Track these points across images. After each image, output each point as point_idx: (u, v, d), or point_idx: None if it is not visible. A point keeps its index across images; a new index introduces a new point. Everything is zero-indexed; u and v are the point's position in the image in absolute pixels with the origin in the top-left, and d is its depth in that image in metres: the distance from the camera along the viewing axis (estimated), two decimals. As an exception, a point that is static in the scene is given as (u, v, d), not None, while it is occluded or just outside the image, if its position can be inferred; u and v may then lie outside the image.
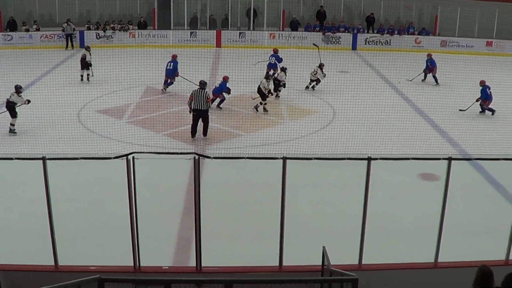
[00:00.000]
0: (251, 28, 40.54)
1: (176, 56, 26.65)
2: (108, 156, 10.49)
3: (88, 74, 28.03)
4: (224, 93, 23.43)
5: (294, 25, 40.21)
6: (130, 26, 38.70)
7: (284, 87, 25.24)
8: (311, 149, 17.61)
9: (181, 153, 11.38)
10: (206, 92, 19.70)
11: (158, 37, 38.49)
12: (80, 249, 12.18)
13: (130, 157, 9.94)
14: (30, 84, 26.37)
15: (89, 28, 38.38)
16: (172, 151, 14.95)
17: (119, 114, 22.30)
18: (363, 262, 10.97)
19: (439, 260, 11.11)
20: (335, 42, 39.59)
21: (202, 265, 10.81)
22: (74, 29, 37.72)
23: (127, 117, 22.35)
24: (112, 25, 38.52)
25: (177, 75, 25.94)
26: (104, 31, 38.15)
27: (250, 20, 40.86)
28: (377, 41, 39.92)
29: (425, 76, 29.92)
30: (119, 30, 38.22)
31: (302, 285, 8.64)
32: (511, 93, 22.69)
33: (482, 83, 23.58)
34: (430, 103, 23.74)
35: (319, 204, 15.00)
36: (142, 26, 39.08)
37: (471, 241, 12.90)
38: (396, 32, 40.19)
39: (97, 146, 17.59)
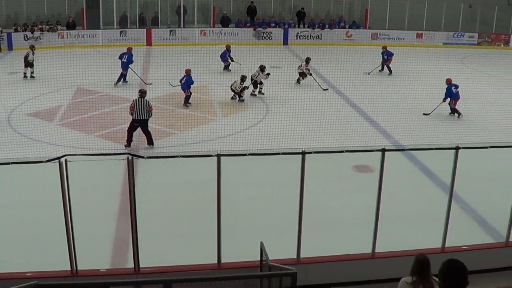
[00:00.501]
0: (182, 26, 40.40)
1: (131, 49, 26.99)
2: (40, 160, 10.28)
3: (31, 72, 28.02)
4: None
5: (224, 22, 40.22)
6: (59, 27, 38.10)
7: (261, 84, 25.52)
8: (245, 145, 17.65)
9: (114, 154, 11.26)
10: (147, 100, 18.51)
11: (87, 37, 37.98)
12: (15, 256, 11.93)
13: (62, 160, 9.80)
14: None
15: (16, 30, 37.62)
16: (105, 152, 14.77)
17: (50, 117, 21.89)
18: (301, 255, 11.07)
19: (377, 250, 11.27)
20: (267, 38, 39.72)
21: (140, 266, 10.74)
22: (1, 31, 36.98)
23: (58, 119, 21.95)
24: (40, 26, 37.84)
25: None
26: (32, 33, 37.44)
27: (180, 18, 40.74)
28: (308, 36, 40.25)
29: (382, 67, 30.77)
30: (48, 31, 37.57)
31: (241, 282, 8.65)
32: (442, 83, 22.97)
33: (448, 82, 23.06)
34: (363, 95, 24.06)
35: (255, 200, 15.04)
36: (71, 26, 38.53)
37: (408, 231, 13.13)
38: (327, 26, 40.61)
39: (28, 150, 17.27)
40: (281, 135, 18.46)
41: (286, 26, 40.39)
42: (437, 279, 6.09)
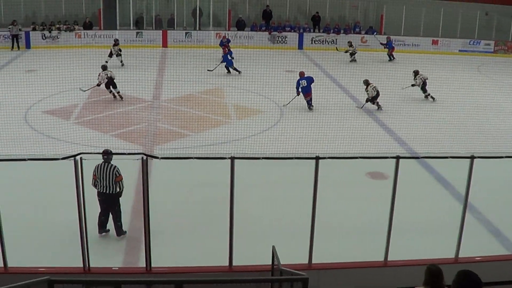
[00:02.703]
0: (197, 28, 40.47)
1: None
2: (55, 157, 10.35)
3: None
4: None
5: (240, 25, 40.21)
6: (76, 27, 38.29)
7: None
8: (259, 148, 17.66)
9: (128, 154, 11.31)
10: (115, 167, 12.59)
11: (104, 37, 38.09)
12: (29, 251, 12.01)
13: (77, 158, 9.85)
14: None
15: (34, 29, 37.86)
16: (120, 151, 14.82)
17: (66, 115, 22.08)
18: (313, 261, 11.03)
19: (389, 258, 11.21)
20: (282, 42, 39.72)
21: (152, 265, 10.76)
22: (20, 29, 37.21)
23: (74, 117, 22.13)
24: (57, 26, 38.06)
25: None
26: (50, 32, 37.67)
27: (196, 20, 40.81)
28: (323, 41, 40.20)
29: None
30: (65, 31, 37.77)
31: (252, 285, 8.65)
32: (459, 90, 22.92)
33: (301, 75, 24.28)
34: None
35: (268, 204, 15.02)
36: (88, 26, 38.69)
37: (421, 239, 13.08)
38: (342, 31, 40.52)
39: (44, 147, 17.36)
40: (295, 140, 18.47)
41: (301, 31, 40.37)
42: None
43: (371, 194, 15.36)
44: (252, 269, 10.88)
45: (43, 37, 37.55)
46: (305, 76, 24.16)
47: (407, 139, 20.27)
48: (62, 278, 7.62)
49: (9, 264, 10.79)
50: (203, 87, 23.90)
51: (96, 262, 10.79)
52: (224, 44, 33.47)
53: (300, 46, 39.82)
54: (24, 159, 10.36)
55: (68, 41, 36.57)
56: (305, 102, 23.79)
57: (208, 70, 29.07)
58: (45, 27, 38.11)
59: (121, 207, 12.81)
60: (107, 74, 24.31)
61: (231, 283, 8.22)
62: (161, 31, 39.29)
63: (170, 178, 15.48)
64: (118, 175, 12.53)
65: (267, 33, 39.76)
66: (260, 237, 12.66)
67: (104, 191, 12.57)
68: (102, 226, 12.89)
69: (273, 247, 10.08)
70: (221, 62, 30.08)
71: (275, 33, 39.67)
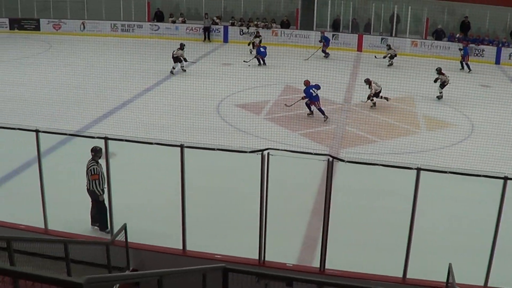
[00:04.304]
0: (393, 34, 40.05)
1: None
2: (243, 150, 10.66)
3: (182, 67, 29.08)
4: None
5: (438, 35, 39.31)
6: (273, 25, 39.10)
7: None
8: (446, 162, 17.25)
9: (315, 154, 11.40)
10: (94, 163, 12.62)
11: (300, 37, 38.65)
12: (207, 237, 12.47)
13: (265, 152, 10.07)
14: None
15: (233, 24, 39.10)
16: (307, 151, 15.01)
17: (257, 110, 22.68)
18: (489, 284, 10.64)
19: None
20: (478, 55, 38.51)
21: (326, 267, 10.81)
22: (212, 23, 38.60)
23: (265, 113, 22.67)
24: (255, 23, 39.07)
25: None
26: (248, 28, 38.72)
27: (392, 26, 40.41)
28: (524, 57, 38.54)
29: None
30: (262, 28, 38.66)
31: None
32: None
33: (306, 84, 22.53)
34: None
35: (449, 219, 14.61)
36: (285, 25, 39.39)
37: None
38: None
39: (233, 138, 17.91)
40: (484, 157, 17.85)
41: (500, 45, 38.92)
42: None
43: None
44: (425, 283, 10.65)
45: (241, 32, 38.69)
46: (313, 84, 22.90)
47: None
48: (237, 267, 7.82)
49: (188, 248, 11.27)
50: (395, 94, 23.66)
51: (271, 256, 11.00)
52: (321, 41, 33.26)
53: (498, 61, 38.37)
54: (213, 149, 10.76)
55: (264, 38, 37.44)
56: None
57: (244, 61, 29.37)
58: (243, 23, 39.23)
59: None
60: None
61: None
62: (357, 34, 39.28)
63: (353, 183, 15.48)
64: (94, 173, 12.51)
65: (462, 44, 38.52)
66: (437, 252, 12.36)
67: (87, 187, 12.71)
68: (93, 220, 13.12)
69: (450, 265, 9.81)
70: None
71: (472, 45, 38.43)
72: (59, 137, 15.31)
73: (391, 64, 33.07)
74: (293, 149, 15.19)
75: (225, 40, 38.44)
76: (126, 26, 40.95)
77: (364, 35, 39.19)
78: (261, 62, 30.62)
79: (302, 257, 12.29)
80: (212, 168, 15.65)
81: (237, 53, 28.51)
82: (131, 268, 11.51)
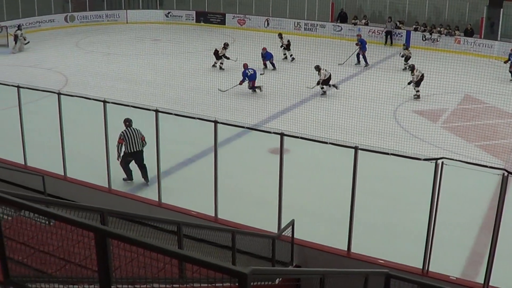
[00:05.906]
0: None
1: None
2: (417, 157, 10.63)
3: (221, 64, 30.36)
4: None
5: None
6: (456, 32, 38.24)
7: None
8: None
9: (490, 167, 11.16)
10: (137, 130, 15.81)
11: (483, 46, 37.48)
12: (372, 241, 12.52)
13: (439, 161, 9.99)
14: (352, 76, 27.49)
15: (416, 29, 38.66)
16: (481, 163, 14.66)
17: (434, 118, 22.37)
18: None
19: None
20: None
21: (490, 283, 10.53)
22: (395, 26, 38.38)
23: (442, 121, 22.29)
24: (438, 29, 38.39)
25: None
26: (430, 34, 38.15)
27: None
28: None
29: None
30: (445, 35, 37.92)
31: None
32: None
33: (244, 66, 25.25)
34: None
35: None
36: (469, 33, 38.38)
37: None
38: None
39: (406, 144, 17.75)
40: None
41: None
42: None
43: None
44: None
45: (423, 38, 38.16)
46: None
47: None
48: (400, 275, 7.83)
49: (352, 250, 11.39)
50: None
51: (435, 267, 10.86)
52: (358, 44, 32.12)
53: None
54: (387, 153, 10.80)
55: (446, 45, 36.78)
56: None
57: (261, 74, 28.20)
58: (426, 28, 38.68)
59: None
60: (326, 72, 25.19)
61: None
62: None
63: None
64: (142, 135, 15.69)
65: None
66: None
67: (132, 150, 15.65)
68: (129, 175, 16.15)
69: None
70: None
71: None
72: (236, 130, 15.84)
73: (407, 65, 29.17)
74: (467, 160, 14.97)
75: (408, 44, 38.07)
76: (309, 25, 41.56)
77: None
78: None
79: (466, 272, 12.03)
80: (384, 173, 15.66)
81: (419, 60, 28.01)
82: (294, 264, 11.77)
